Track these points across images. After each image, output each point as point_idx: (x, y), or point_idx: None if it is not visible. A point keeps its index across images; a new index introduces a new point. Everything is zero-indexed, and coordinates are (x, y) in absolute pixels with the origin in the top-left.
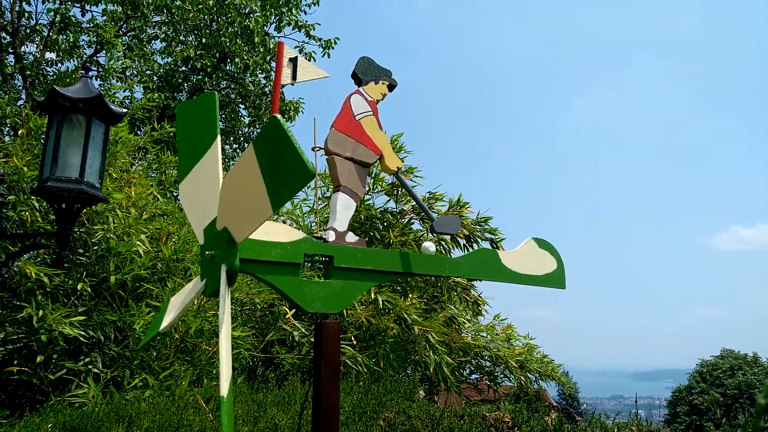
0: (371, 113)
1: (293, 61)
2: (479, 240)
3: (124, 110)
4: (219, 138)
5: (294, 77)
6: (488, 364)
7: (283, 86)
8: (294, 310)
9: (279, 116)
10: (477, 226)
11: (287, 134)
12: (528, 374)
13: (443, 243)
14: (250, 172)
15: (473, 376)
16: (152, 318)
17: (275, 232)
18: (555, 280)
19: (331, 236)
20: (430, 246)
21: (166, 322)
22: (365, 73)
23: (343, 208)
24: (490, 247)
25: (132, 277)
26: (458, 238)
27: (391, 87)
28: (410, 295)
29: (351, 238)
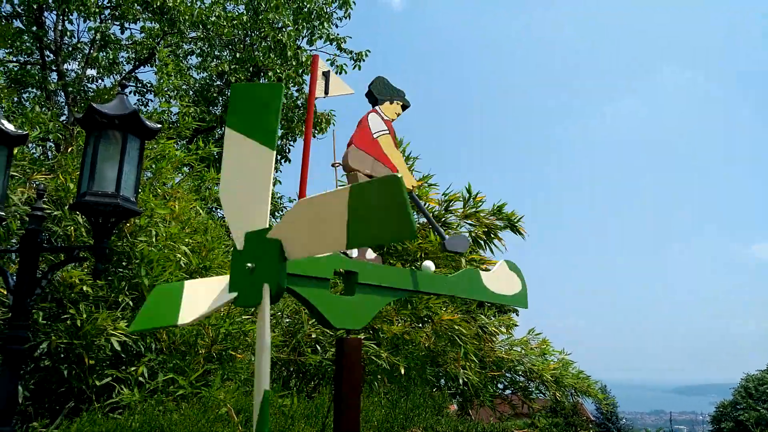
0: (388, 132)
1: (326, 75)
2: (498, 231)
3: (159, 125)
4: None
5: (326, 91)
6: (522, 378)
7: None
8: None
9: (400, 176)
10: (492, 217)
11: (405, 196)
12: (563, 389)
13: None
14: (339, 204)
15: (507, 392)
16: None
17: None
18: (520, 300)
19: (354, 252)
20: (430, 265)
21: (187, 318)
22: (381, 92)
23: None
24: (513, 234)
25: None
26: (479, 240)
27: (405, 107)
28: (444, 309)
29: (370, 254)
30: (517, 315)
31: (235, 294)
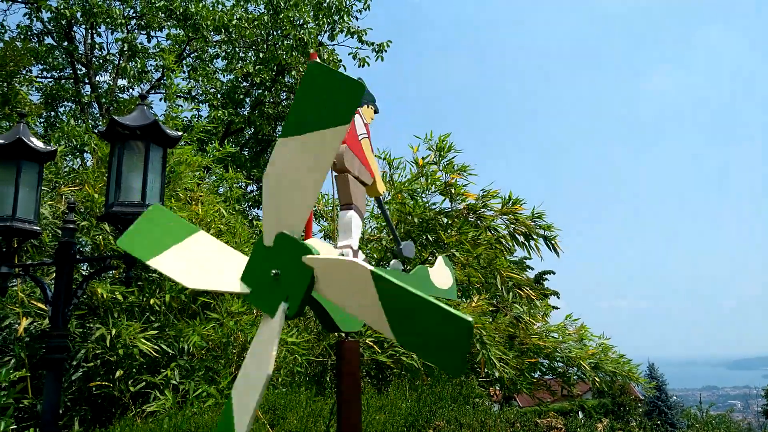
0: (367, 136)
1: None
2: (535, 236)
3: (179, 133)
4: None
5: None
6: (561, 365)
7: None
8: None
9: (470, 322)
10: (533, 222)
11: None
12: (603, 375)
13: (503, 240)
14: (370, 295)
15: (546, 376)
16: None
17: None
18: (452, 292)
19: (350, 254)
20: (398, 265)
21: (196, 284)
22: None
23: (357, 226)
24: (545, 245)
25: (188, 293)
26: (517, 235)
27: (376, 111)
28: (475, 297)
29: (360, 256)
30: (558, 297)
31: (247, 289)
